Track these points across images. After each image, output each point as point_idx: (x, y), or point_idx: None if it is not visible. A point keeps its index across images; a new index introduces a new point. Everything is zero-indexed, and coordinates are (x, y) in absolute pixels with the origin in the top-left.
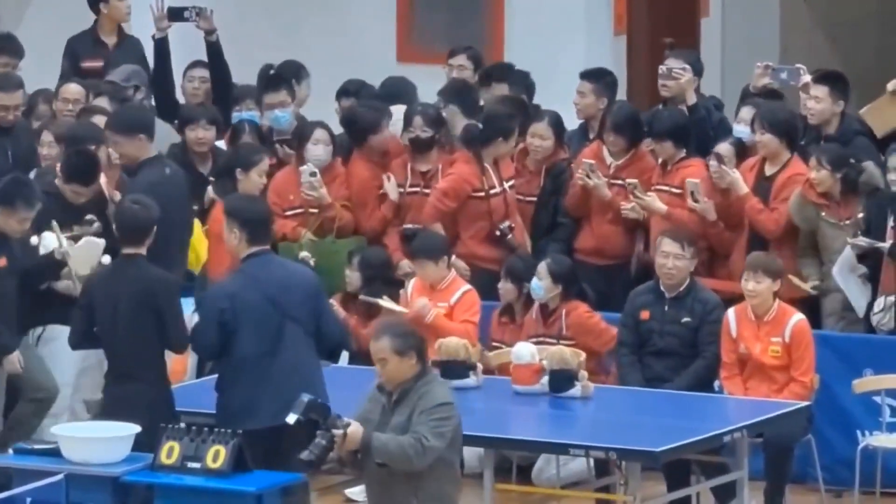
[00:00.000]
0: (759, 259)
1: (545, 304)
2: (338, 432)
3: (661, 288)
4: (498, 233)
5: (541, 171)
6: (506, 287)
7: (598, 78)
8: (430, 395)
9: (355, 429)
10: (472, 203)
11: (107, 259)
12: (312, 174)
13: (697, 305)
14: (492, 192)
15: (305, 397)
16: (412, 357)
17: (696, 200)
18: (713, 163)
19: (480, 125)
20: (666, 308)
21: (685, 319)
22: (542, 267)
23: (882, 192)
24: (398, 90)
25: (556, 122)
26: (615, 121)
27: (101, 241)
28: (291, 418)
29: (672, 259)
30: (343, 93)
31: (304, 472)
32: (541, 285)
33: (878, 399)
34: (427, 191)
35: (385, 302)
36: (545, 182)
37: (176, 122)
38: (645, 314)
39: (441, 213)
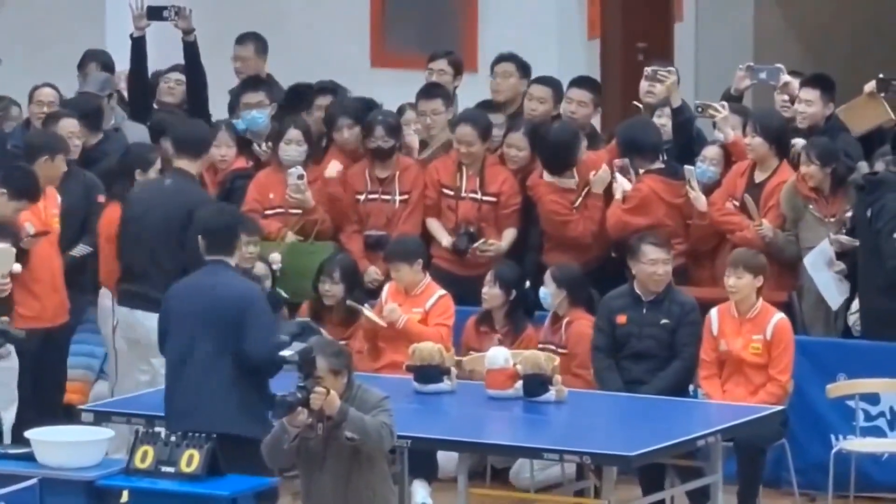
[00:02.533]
0: (741, 255)
1: (555, 311)
2: (320, 389)
3: (638, 291)
4: (461, 230)
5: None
6: (492, 293)
7: (594, 86)
8: (370, 394)
9: (335, 395)
10: (442, 199)
11: (17, 268)
12: (300, 177)
13: (675, 307)
14: (460, 195)
15: (289, 333)
16: (344, 375)
17: (691, 188)
18: (688, 187)
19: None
20: (644, 311)
21: (663, 321)
22: (547, 275)
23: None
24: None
25: (533, 132)
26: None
27: (13, 250)
28: (286, 352)
29: (661, 265)
30: (320, 90)
31: (274, 415)
32: (547, 293)
33: (851, 403)
34: (386, 197)
35: (368, 312)
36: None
37: (148, 123)
38: (622, 318)
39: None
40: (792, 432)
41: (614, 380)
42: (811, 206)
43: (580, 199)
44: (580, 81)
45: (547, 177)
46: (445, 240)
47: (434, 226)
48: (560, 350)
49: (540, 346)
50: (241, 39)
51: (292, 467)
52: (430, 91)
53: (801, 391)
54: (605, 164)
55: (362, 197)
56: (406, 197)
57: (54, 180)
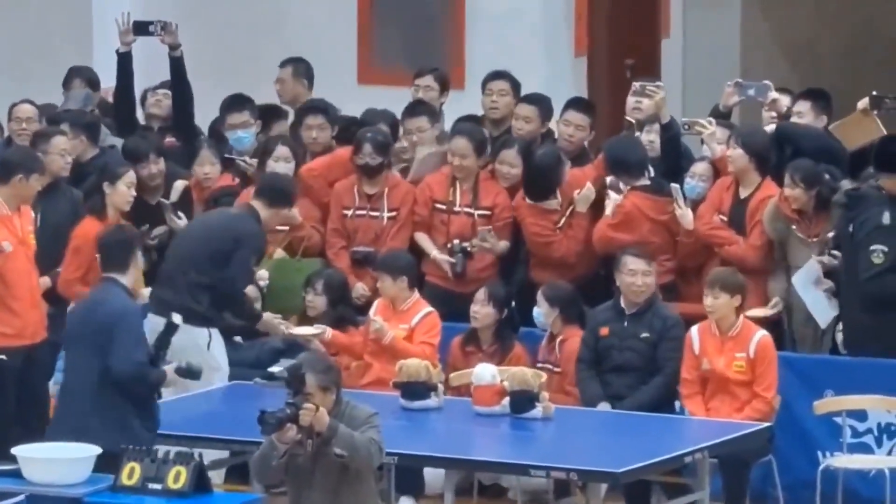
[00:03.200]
0: (718, 274)
1: (550, 331)
2: (309, 405)
3: (622, 304)
4: (449, 245)
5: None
6: (485, 311)
7: (591, 108)
8: (358, 410)
9: (324, 411)
10: (434, 215)
11: None
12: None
13: (657, 321)
14: (453, 209)
15: (302, 361)
16: (333, 392)
17: (678, 205)
18: (675, 205)
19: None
20: (625, 324)
21: (644, 335)
22: (539, 294)
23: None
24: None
25: (526, 150)
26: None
27: None
28: (276, 368)
29: (640, 276)
30: (310, 110)
31: (263, 432)
32: (540, 312)
33: (838, 420)
34: (374, 213)
35: (294, 329)
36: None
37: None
38: (604, 330)
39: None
40: (779, 448)
41: (594, 388)
42: (794, 227)
43: (564, 219)
44: (577, 104)
45: (528, 200)
46: (435, 251)
47: (423, 239)
48: (556, 369)
49: (538, 366)
50: (283, 63)
51: (280, 483)
52: (415, 109)
53: (788, 407)
54: (591, 181)
55: (350, 212)
56: (394, 213)
57: (27, 199)
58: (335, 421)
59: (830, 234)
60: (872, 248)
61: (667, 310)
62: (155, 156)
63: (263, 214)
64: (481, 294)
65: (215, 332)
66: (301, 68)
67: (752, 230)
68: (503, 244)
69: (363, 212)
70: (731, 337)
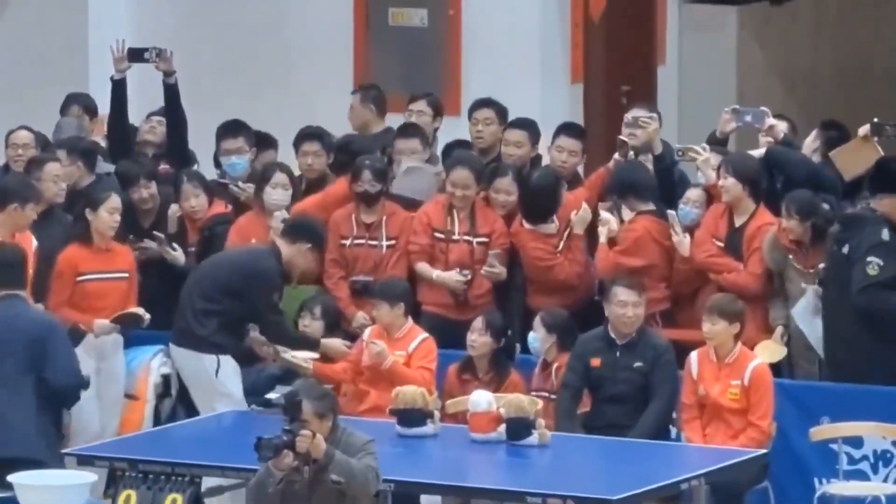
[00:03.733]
0: (717, 301)
1: (544, 358)
2: (306, 432)
3: (612, 335)
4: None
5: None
6: (483, 340)
7: (583, 133)
8: (355, 437)
9: (321, 438)
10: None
11: None
12: (284, 220)
13: (649, 351)
14: (452, 237)
15: (298, 388)
16: (329, 419)
17: (675, 232)
18: (672, 231)
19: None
20: (618, 354)
21: (637, 364)
22: (537, 320)
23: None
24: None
25: (518, 175)
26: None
27: None
28: (273, 395)
29: (631, 308)
30: (307, 136)
31: (260, 458)
32: (536, 337)
33: (834, 446)
34: (373, 242)
35: (289, 356)
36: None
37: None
38: (596, 361)
39: (412, 257)
40: (775, 475)
41: (569, 426)
42: (791, 258)
43: (563, 242)
44: (569, 129)
45: (528, 224)
46: (436, 273)
47: (424, 268)
48: (552, 397)
49: (533, 394)
50: (354, 90)
51: None
52: (408, 131)
53: (784, 434)
54: (585, 202)
55: (348, 241)
56: (393, 242)
57: (22, 228)
58: (332, 448)
59: (821, 266)
60: (869, 259)
61: (657, 337)
62: (146, 180)
63: (286, 252)
64: (479, 323)
65: (226, 359)
66: (369, 95)
67: (750, 257)
68: (502, 271)
69: (362, 241)
70: (728, 364)
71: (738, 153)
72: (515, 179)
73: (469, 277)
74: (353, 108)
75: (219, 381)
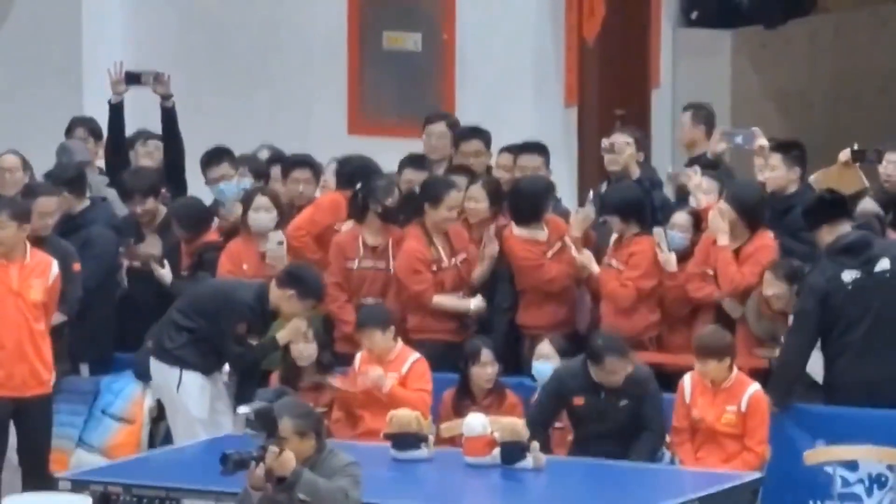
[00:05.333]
0: (704, 341)
1: None
2: (273, 449)
3: (596, 380)
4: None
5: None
6: (494, 370)
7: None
8: (337, 458)
9: (291, 455)
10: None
11: None
12: (280, 242)
13: (633, 388)
14: (442, 265)
15: (263, 399)
16: (311, 438)
17: (661, 249)
18: (658, 249)
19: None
20: (602, 396)
21: (623, 403)
22: (547, 347)
23: None
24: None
25: (492, 186)
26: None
27: None
28: (243, 409)
29: (621, 374)
30: (298, 164)
31: (223, 472)
32: (550, 365)
33: (829, 469)
34: (380, 265)
35: (336, 382)
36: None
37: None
38: (579, 401)
39: (426, 294)
40: (769, 498)
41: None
42: (779, 326)
43: (552, 251)
44: (530, 147)
45: (517, 230)
46: (451, 301)
47: (441, 300)
48: (557, 425)
49: None
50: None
51: None
52: (416, 161)
53: (779, 456)
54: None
55: (354, 264)
56: None
57: (11, 247)
58: (300, 467)
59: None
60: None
61: (638, 369)
62: (141, 196)
63: (273, 294)
64: (487, 356)
65: (190, 375)
66: (700, 115)
67: (748, 261)
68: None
69: (369, 263)
70: (723, 389)
71: (742, 181)
72: (485, 187)
73: (484, 302)
74: (682, 127)
75: (178, 396)
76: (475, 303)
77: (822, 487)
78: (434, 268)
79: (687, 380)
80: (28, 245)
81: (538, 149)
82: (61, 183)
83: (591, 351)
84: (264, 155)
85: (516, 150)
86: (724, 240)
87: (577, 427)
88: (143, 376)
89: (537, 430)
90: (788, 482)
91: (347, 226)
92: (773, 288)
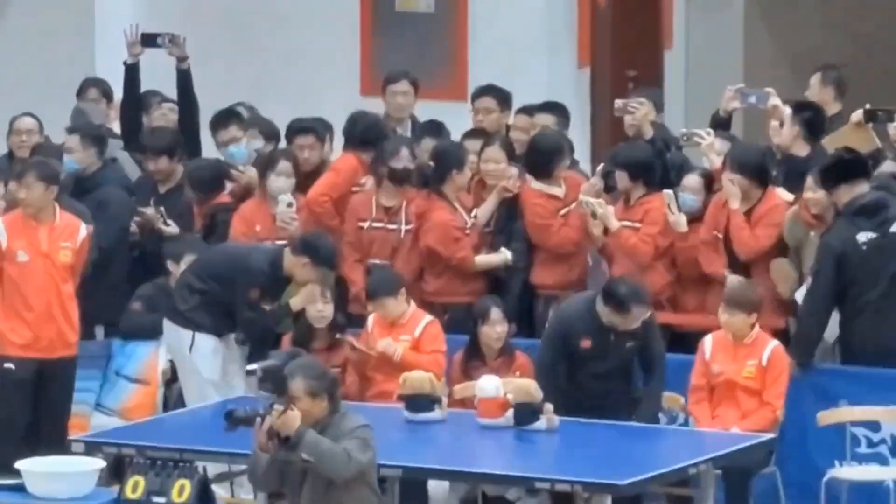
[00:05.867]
0: (734, 292)
1: None
2: (278, 407)
3: (606, 323)
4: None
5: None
6: (503, 329)
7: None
8: (349, 420)
9: (297, 414)
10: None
11: None
12: (289, 204)
13: (641, 329)
14: (467, 229)
15: (276, 359)
16: (324, 399)
17: (671, 211)
18: (668, 210)
19: (432, 164)
20: (612, 337)
21: (630, 344)
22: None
23: None
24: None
25: (508, 146)
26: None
27: None
28: (253, 367)
29: (641, 320)
30: (302, 130)
31: (226, 427)
32: None
33: (854, 430)
34: (391, 226)
35: (357, 343)
36: (500, 208)
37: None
38: (586, 342)
39: (468, 259)
40: (783, 459)
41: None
42: (812, 234)
43: (566, 209)
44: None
45: (535, 184)
46: (487, 258)
47: (482, 260)
48: None
49: None
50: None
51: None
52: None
53: (802, 417)
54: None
55: (366, 224)
56: (411, 227)
57: (38, 208)
58: (304, 427)
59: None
60: None
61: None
62: (155, 155)
63: (287, 261)
64: (497, 314)
65: (203, 337)
66: (830, 76)
67: (760, 223)
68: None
69: (380, 224)
70: (744, 345)
71: (740, 145)
72: (503, 147)
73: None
74: (811, 87)
75: (190, 358)
76: (508, 254)
77: (844, 448)
78: (467, 230)
79: (708, 339)
80: (57, 207)
81: (553, 108)
82: (90, 139)
83: (615, 300)
84: (244, 113)
85: (533, 110)
86: (735, 203)
87: (576, 367)
88: (131, 336)
89: (545, 375)
90: (812, 443)
91: (370, 183)
92: (813, 192)
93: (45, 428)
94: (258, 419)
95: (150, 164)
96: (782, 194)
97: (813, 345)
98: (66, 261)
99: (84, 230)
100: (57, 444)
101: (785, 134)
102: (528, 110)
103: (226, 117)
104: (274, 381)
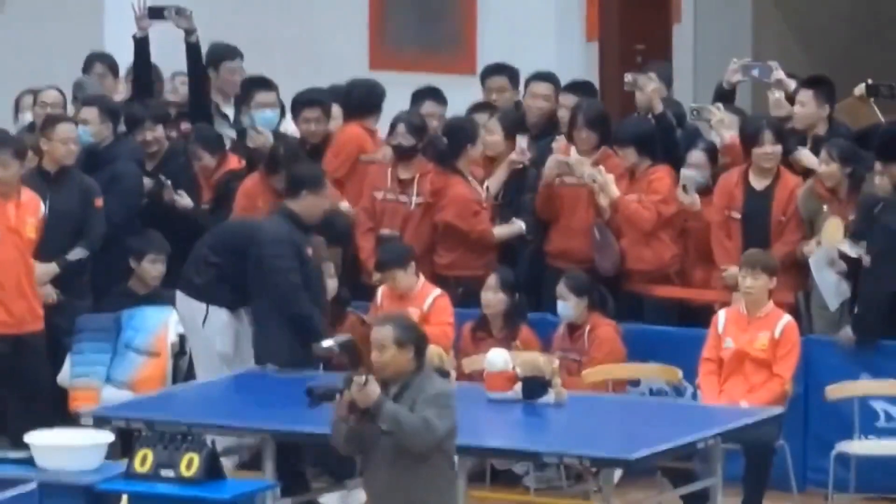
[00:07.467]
0: (756, 256)
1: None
2: (359, 378)
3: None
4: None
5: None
6: (497, 297)
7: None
8: (431, 385)
9: (376, 387)
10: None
11: None
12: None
13: None
14: (484, 202)
15: (347, 337)
16: (410, 351)
17: (686, 193)
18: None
19: (445, 139)
20: None
21: None
22: (562, 288)
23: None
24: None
25: (508, 119)
26: (588, 117)
27: None
28: (328, 342)
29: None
30: (308, 103)
31: (309, 404)
32: (568, 305)
33: (874, 404)
34: (403, 199)
35: (368, 318)
36: (507, 180)
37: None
38: None
39: (488, 232)
40: (793, 434)
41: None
42: (826, 208)
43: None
44: (541, 76)
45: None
46: (503, 228)
47: (500, 231)
48: (581, 359)
49: (559, 354)
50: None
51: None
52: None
53: (803, 391)
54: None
55: (381, 195)
56: (422, 200)
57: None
58: (383, 396)
59: (852, 218)
60: None
61: None
62: (151, 122)
63: (295, 207)
64: (492, 281)
65: (216, 311)
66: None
67: (787, 225)
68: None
69: (393, 196)
70: (758, 318)
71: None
72: (500, 120)
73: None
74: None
75: (204, 331)
76: (522, 224)
77: (866, 421)
78: (484, 206)
79: (722, 313)
80: (20, 182)
81: (577, 87)
82: (107, 113)
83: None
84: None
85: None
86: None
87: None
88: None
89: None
90: (832, 416)
91: (388, 154)
92: (827, 165)
93: (29, 401)
94: (338, 395)
95: (146, 134)
96: (808, 159)
97: (875, 325)
98: (31, 236)
99: (42, 207)
100: (46, 415)
101: (809, 112)
102: (546, 77)
103: (268, 83)
104: (349, 354)
